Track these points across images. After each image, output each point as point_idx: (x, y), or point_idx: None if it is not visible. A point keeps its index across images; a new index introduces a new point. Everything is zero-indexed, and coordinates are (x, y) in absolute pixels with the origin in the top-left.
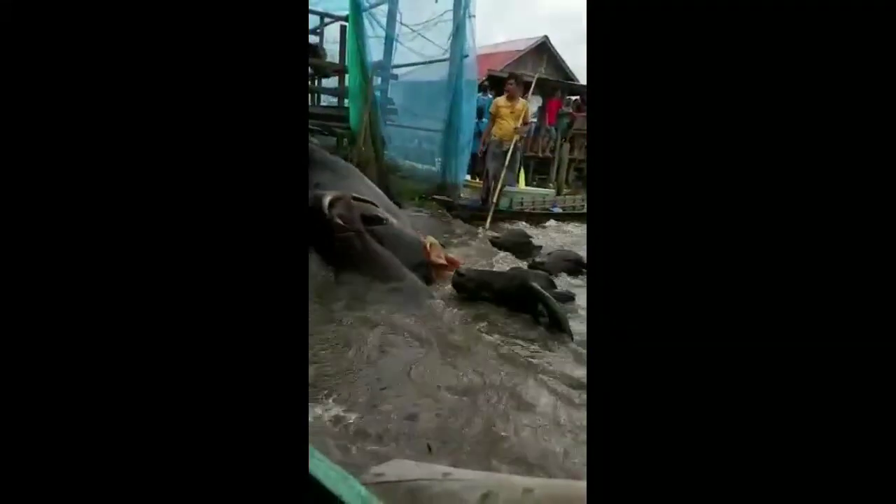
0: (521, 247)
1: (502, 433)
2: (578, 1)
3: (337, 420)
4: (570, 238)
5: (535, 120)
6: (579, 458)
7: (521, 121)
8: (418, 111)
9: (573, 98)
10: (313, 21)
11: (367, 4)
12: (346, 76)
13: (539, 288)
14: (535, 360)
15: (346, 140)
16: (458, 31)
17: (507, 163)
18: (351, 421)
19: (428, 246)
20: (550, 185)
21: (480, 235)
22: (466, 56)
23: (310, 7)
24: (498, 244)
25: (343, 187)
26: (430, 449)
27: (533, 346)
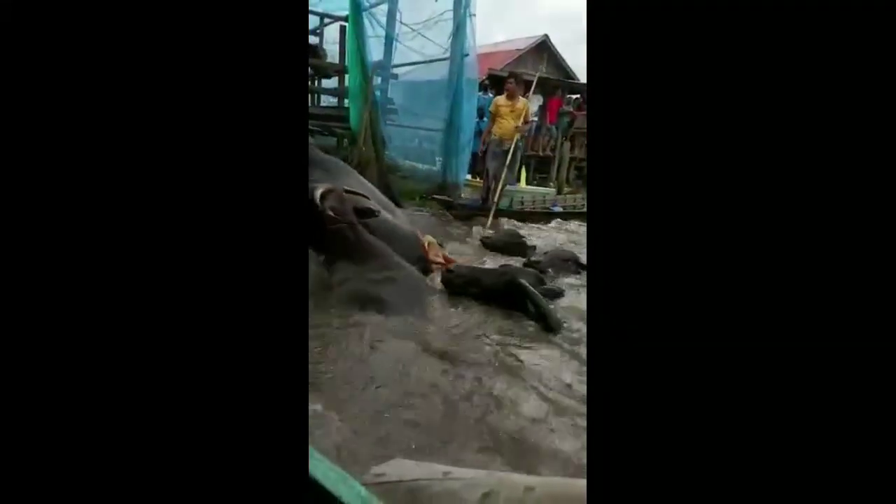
0: (513, 247)
1: (496, 428)
2: (578, 1)
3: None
4: (575, 236)
5: (535, 119)
6: (574, 453)
7: (521, 120)
8: (418, 111)
9: (574, 97)
10: (313, 21)
11: (367, 4)
12: (346, 76)
13: (526, 284)
14: (523, 357)
15: (346, 140)
16: (459, 30)
17: (507, 162)
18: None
19: (426, 245)
20: (551, 183)
21: (479, 235)
22: (467, 55)
23: (310, 7)
24: (489, 245)
25: (336, 184)
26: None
27: (524, 342)
